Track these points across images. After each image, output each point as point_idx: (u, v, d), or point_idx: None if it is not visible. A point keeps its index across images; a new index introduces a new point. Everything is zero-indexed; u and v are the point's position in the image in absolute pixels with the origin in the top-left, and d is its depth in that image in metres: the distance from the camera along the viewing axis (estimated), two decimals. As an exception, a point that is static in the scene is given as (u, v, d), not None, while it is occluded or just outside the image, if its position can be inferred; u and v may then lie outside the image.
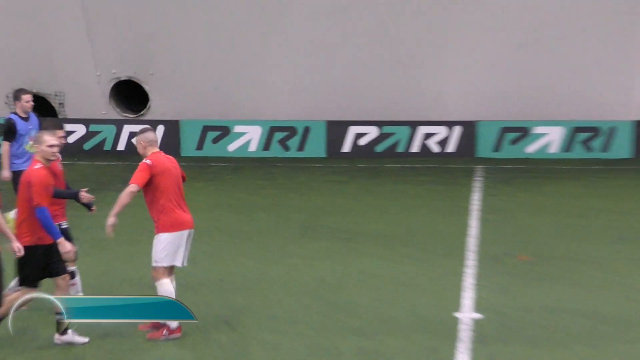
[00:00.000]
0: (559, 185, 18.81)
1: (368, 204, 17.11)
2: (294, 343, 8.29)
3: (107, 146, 22.05)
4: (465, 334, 8.69)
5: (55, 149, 8.24)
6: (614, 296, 10.16)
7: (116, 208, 8.35)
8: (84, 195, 8.86)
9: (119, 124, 22.37)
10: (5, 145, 11.53)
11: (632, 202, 16.89)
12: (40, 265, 7.82)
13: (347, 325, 9.04)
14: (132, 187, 8.49)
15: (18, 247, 7.49)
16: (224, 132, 22.47)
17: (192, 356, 8.14)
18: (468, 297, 10.08)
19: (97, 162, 21.10)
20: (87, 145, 21.77)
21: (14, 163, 10.83)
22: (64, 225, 8.89)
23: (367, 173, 20.93)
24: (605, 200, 16.96)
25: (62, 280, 7.91)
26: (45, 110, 22.84)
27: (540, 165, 21.50)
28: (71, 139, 21.10)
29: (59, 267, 7.87)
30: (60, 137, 8.99)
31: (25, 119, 11.80)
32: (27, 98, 11.81)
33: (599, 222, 15.05)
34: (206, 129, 22.28)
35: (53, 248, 7.81)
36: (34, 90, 22.55)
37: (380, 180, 19.89)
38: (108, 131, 22.09)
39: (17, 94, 12.04)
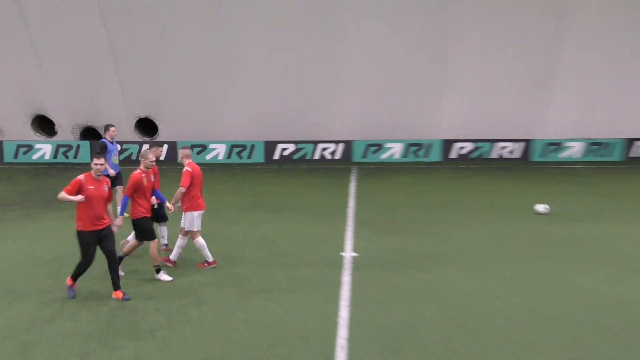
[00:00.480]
0: (400, 178, 21.97)
1: (290, 190, 19.78)
2: (249, 274, 10.60)
3: (133, 157, 26.28)
4: (347, 264, 10.90)
5: (153, 161, 10.12)
6: (432, 242, 12.70)
7: (173, 200, 10.54)
8: (168, 205, 10.57)
9: (140, 144, 26.35)
10: None
11: (442, 186, 20.20)
12: (149, 225, 10.07)
13: (281, 262, 11.31)
14: (182, 189, 10.38)
15: (117, 224, 9.46)
16: (203, 148, 26.69)
17: (200, 278, 10.64)
18: (349, 243, 12.30)
19: (127, 167, 22.12)
20: (121, 157, 24.64)
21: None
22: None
23: (289, 172, 24.02)
24: (427, 186, 20.25)
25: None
26: (96, 136, 26.75)
27: (389, 166, 25.15)
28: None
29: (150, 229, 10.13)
30: (158, 154, 10.87)
31: (111, 143, 14.29)
32: (113, 129, 14.24)
33: (424, 198, 17.90)
34: (193, 146, 25.97)
35: (148, 217, 10.10)
36: (88, 124, 26.79)
37: (296, 176, 22.86)
38: (133, 148, 26.41)
39: (107, 127, 14.30)
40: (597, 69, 25.02)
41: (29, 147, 26.51)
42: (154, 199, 10.53)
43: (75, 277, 9.48)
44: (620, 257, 11.72)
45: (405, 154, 26.43)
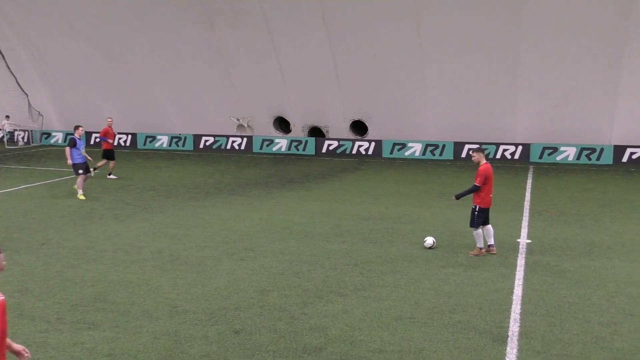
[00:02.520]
0: (572, 177, 20.56)
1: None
2: (435, 251, 10.89)
3: (347, 152, 26.88)
4: (522, 249, 10.79)
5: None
6: (599, 234, 12.59)
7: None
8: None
9: (353, 141, 27.06)
10: None
11: (610, 186, 18.62)
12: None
13: (463, 243, 12.06)
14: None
15: None
16: (402, 146, 26.36)
17: (394, 250, 11.64)
18: (524, 231, 12.36)
19: (340, 159, 25.39)
20: (338, 151, 26.77)
21: None
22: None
23: (473, 168, 23.80)
24: (596, 185, 18.86)
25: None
26: (320, 133, 28.04)
27: (563, 167, 23.68)
28: (332, 148, 26.97)
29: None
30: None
31: (79, 139, 15.69)
32: (81, 129, 15.74)
33: (593, 195, 16.97)
34: (395, 144, 26.38)
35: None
36: (314, 124, 27.51)
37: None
38: (347, 144, 27.10)
39: (76, 127, 15.71)
40: None
41: (271, 141, 28.47)
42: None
43: None
44: None
45: (578, 156, 24.75)
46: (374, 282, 9.09)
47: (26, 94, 31.45)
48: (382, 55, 24.61)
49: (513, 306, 8.05)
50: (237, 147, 28.98)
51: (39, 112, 31.79)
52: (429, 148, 26.24)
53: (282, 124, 29.07)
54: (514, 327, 7.33)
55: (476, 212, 9.89)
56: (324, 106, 27.00)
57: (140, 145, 30.42)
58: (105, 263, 10.22)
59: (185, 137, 29.31)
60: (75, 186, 16.24)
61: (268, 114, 28.35)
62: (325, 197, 16.18)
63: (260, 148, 28.51)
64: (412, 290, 8.76)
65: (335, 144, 27.11)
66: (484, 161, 9.99)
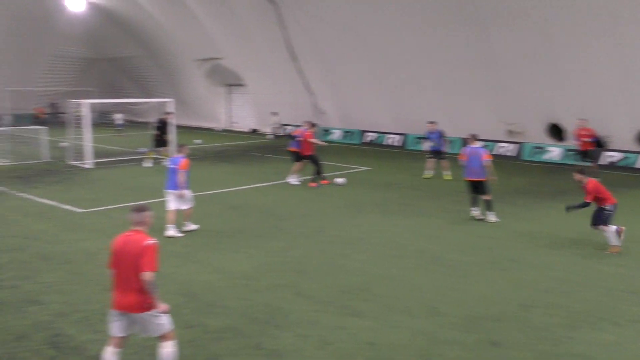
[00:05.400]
0: None
1: None
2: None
3: (631, 165, 24.19)
4: None
5: None
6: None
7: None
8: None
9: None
10: None
11: None
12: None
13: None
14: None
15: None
16: None
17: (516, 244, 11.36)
18: None
19: (623, 173, 22.79)
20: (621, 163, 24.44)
21: None
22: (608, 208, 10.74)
23: None
24: None
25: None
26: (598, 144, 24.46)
27: None
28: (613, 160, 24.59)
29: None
30: None
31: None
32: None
33: None
34: None
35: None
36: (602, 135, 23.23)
37: None
38: (633, 157, 24.23)
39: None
40: None
41: (542, 149, 26.93)
42: None
43: None
44: None
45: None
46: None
47: (313, 93, 34.49)
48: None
49: None
50: (505, 154, 28.02)
51: (323, 110, 34.67)
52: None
53: (555, 132, 27.17)
54: None
55: None
56: (606, 114, 24.43)
57: (409, 146, 31.28)
58: (371, 256, 10.83)
59: (449, 139, 29.09)
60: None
61: (540, 120, 26.98)
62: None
63: (531, 156, 27.24)
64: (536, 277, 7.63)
65: (618, 155, 24.51)
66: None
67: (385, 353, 6.85)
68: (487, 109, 27.98)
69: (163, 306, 5.77)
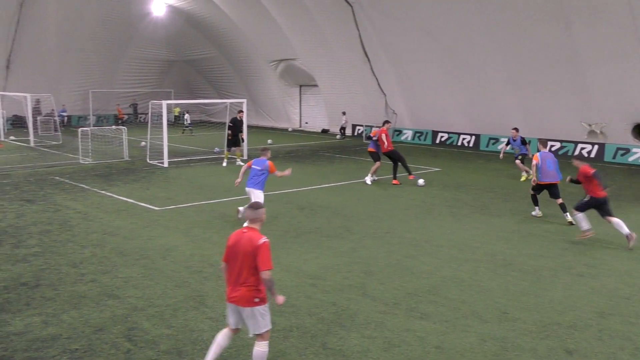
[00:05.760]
0: None
1: None
2: None
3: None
4: None
5: None
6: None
7: None
8: None
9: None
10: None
11: None
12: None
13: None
14: None
15: None
16: None
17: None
18: None
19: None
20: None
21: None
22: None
23: None
24: None
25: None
26: None
27: None
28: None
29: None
30: None
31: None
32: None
33: None
34: None
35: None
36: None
37: None
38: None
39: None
40: None
41: (627, 150, 25.90)
42: None
43: None
44: None
45: None
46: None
47: (385, 94, 34.41)
48: None
49: None
50: (586, 154, 27.00)
51: (394, 110, 34.47)
52: None
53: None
54: None
55: None
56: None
57: (483, 146, 30.62)
58: (440, 258, 10.65)
59: (529, 140, 28.31)
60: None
61: (625, 120, 25.74)
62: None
63: (613, 157, 26.16)
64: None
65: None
66: None
67: (453, 357, 6.73)
68: (567, 108, 27.07)
69: (280, 298, 5.95)
